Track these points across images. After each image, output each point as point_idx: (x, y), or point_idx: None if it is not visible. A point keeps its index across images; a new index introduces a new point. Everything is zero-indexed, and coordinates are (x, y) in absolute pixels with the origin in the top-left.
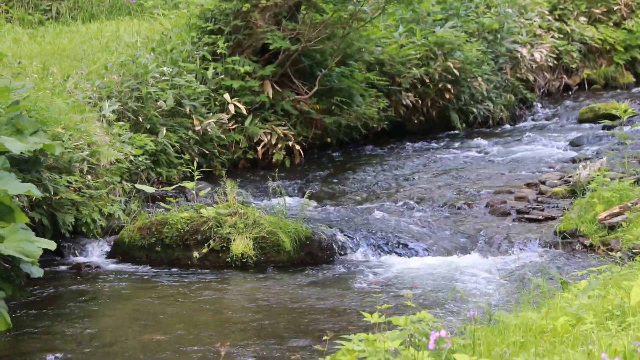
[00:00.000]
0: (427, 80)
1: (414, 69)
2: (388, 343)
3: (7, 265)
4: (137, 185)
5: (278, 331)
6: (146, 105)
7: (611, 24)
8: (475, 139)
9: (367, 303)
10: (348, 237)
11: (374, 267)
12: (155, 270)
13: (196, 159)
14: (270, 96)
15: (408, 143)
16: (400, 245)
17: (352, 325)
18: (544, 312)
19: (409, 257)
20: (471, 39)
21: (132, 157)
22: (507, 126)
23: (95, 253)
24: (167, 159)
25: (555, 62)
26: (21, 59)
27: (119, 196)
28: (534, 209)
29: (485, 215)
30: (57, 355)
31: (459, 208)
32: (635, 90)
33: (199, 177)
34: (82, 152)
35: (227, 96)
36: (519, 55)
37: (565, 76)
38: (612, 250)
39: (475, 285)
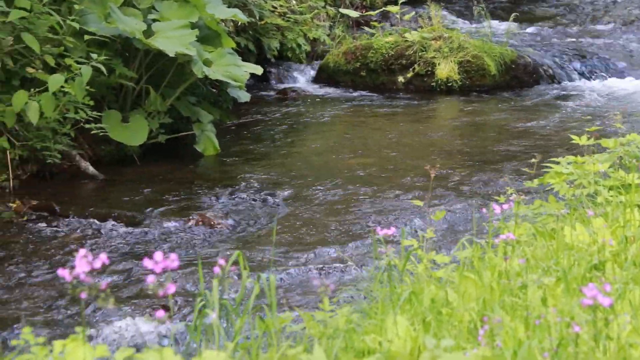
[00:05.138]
0: None
1: None
2: (597, 165)
3: (215, 90)
4: (342, 10)
5: (485, 154)
6: None
7: None
8: None
9: (575, 126)
10: (554, 60)
11: (582, 90)
12: (360, 95)
13: None
14: None
15: None
16: (609, 68)
17: (560, 148)
18: None
19: (618, 79)
20: None
21: None
22: None
23: (300, 78)
24: None
25: None
26: None
27: (324, 21)
28: None
29: None
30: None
31: None
32: None
33: (403, 1)
34: None
35: None
36: None
37: None
38: None
39: None
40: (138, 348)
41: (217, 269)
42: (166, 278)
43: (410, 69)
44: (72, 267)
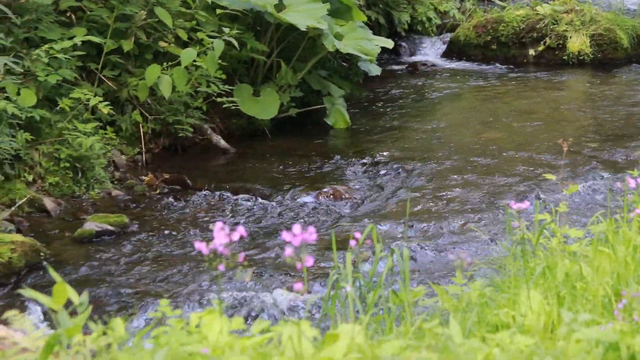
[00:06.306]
0: None
1: None
2: None
3: (345, 64)
4: None
5: (617, 127)
6: None
7: None
8: None
9: None
10: None
11: None
12: (491, 68)
13: None
14: None
15: None
16: None
17: None
18: None
19: None
20: None
21: None
22: None
23: (431, 52)
24: None
25: None
26: None
27: None
28: None
29: None
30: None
31: None
32: None
33: None
34: None
35: None
36: None
37: None
38: None
39: None
40: (274, 320)
41: (352, 242)
42: (303, 251)
43: (542, 42)
44: (209, 240)
